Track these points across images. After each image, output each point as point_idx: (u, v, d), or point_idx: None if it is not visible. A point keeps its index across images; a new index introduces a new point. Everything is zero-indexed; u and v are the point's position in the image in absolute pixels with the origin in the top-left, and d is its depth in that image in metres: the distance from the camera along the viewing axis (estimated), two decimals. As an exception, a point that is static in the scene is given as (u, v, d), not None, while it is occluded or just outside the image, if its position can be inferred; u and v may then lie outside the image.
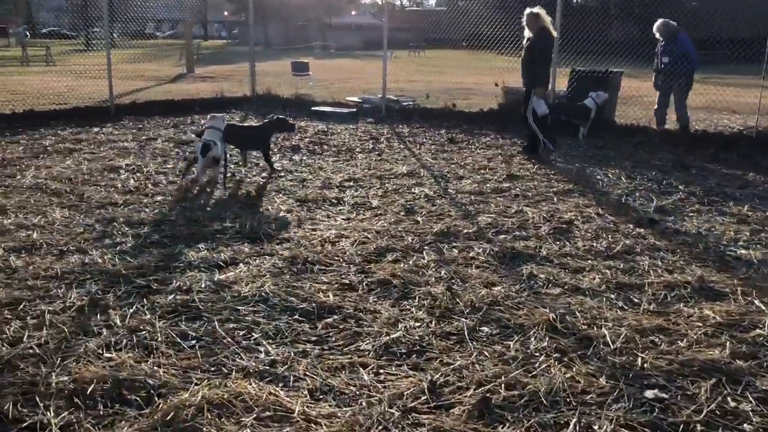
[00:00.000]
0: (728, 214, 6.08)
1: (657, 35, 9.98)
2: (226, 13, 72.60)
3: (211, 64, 29.50)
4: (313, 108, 12.74)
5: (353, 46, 56.58)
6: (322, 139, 9.90)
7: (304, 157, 8.57)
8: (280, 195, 6.58)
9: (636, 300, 4.03)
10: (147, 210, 5.91)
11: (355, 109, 12.59)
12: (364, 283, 4.24)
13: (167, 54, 37.32)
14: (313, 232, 5.33)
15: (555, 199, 6.54)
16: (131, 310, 3.80)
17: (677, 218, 5.91)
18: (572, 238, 5.27)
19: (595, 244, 5.08)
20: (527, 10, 8.33)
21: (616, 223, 5.68)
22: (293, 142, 9.54)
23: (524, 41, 8.48)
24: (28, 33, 44.68)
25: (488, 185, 7.05)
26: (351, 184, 7.07)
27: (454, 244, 5.09)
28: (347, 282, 4.27)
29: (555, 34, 8.55)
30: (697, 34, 14.73)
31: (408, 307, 3.90)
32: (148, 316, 3.71)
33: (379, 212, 5.97)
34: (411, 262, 4.64)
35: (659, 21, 9.90)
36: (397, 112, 12.51)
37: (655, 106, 10.32)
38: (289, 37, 61.16)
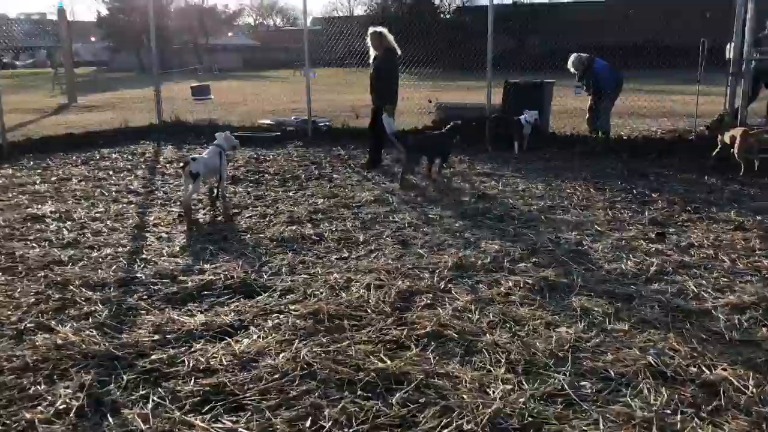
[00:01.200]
0: (721, 221, 5.98)
1: (572, 70, 10.06)
2: (93, 38, 68.76)
3: (89, 92, 27.44)
4: (234, 134, 11.82)
5: (232, 68, 55.15)
6: (259, 167, 9.14)
7: (250, 189, 7.78)
8: (249, 234, 5.81)
9: (715, 329, 3.69)
10: (103, 267, 4.98)
11: (278, 133, 11.83)
12: (413, 338, 3.64)
13: (34, 84, 34.69)
14: (315, 278, 4.64)
15: (543, 217, 6.20)
16: (150, 406, 2.99)
17: (678, 230, 5.72)
18: (595, 260, 4.92)
19: (623, 267, 4.74)
20: (371, 30, 8.43)
21: (626, 240, 5.39)
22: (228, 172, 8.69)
23: (371, 60, 8.58)
24: None
25: (465, 208, 6.61)
26: (320, 216, 6.41)
27: (477, 278, 4.59)
28: (393, 339, 3.66)
29: (399, 51, 8.56)
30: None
31: (482, 365, 3.34)
32: (177, 413, 2.93)
33: (371, 247, 5.36)
34: (449, 306, 4.08)
35: (571, 57, 9.99)
36: (325, 134, 11.89)
37: (586, 115, 10.37)
38: (165, 61, 58.78)
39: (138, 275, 4.78)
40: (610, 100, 9.95)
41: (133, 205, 7.04)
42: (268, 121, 13.96)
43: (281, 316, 4.00)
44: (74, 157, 10.23)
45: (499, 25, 10.00)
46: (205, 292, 4.41)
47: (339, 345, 3.57)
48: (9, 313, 4.10)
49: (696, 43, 9.65)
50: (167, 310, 4.12)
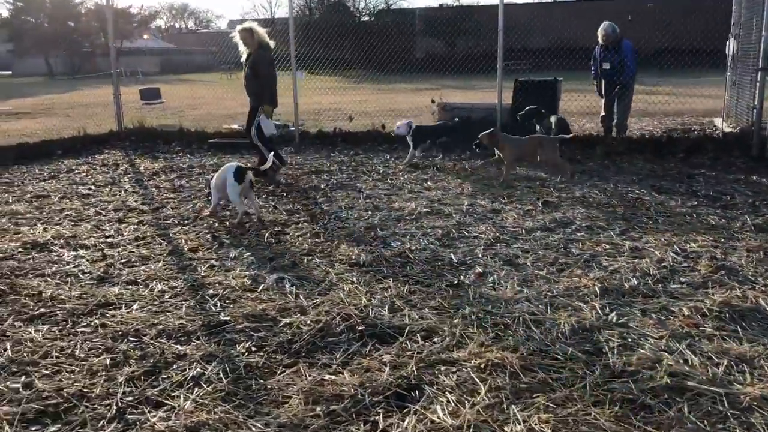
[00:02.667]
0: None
1: (601, 39, 9.53)
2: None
3: (3, 98, 25.13)
4: (211, 141, 10.74)
5: (150, 72, 52.61)
6: (264, 177, 8.12)
7: (271, 201, 6.80)
8: (318, 258, 4.89)
9: None
10: (170, 309, 3.97)
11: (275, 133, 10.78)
12: (648, 395, 2.89)
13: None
14: (447, 313, 3.83)
15: (626, 227, 5.58)
16: None
17: (789, 235, 5.23)
18: (746, 277, 4.31)
19: (786, 282, 4.15)
20: (239, 27, 7.91)
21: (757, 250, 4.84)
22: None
23: (243, 58, 8.01)
24: None
25: (538, 219, 5.92)
26: (383, 233, 5.55)
27: (642, 306, 3.89)
28: (624, 395, 2.89)
29: (272, 45, 8.02)
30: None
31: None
32: None
33: (479, 270, 4.58)
34: (647, 344, 3.35)
35: (607, 24, 9.45)
36: (315, 138, 10.93)
37: (602, 113, 9.90)
38: (75, 65, 55.36)
39: (223, 318, 3.80)
40: (628, 96, 9.50)
41: (146, 226, 5.95)
42: (236, 126, 12.88)
43: (452, 369, 3.15)
44: (37, 170, 8.89)
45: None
46: (331, 339, 3.50)
47: (569, 409, 2.77)
48: (87, 382, 3.07)
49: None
50: (301, 367, 3.19)
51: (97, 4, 58.93)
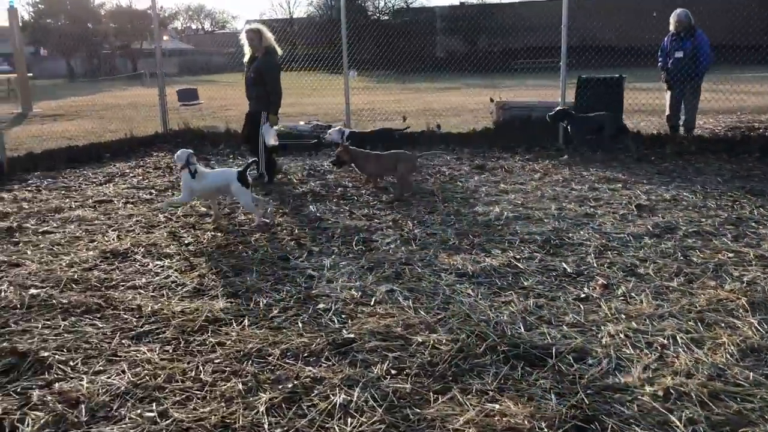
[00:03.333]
0: None
1: (672, 28, 9.13)
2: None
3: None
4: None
5: (169, 73, 52.47)
6: (328, 180, 7.84)
7: (345, 206, 6.50)
8: (420, 268, 4.58)
9: None
10: (285, 324, 3.68)
11: (315, 140, 10.51)
12: None
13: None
14: (592, 330, 3.50)
15: (736, 232, 5.24)
16: None
17: None
18: None
19: None
20: (246, 27, 7.55)
21: None
22: (305, 188, 7.40)
23: (245, 58, 7.66)
24: None
25: (639, 224, 5.59)
26: (480, 240, 5.23)
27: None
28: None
29: (280, 51, 7.69)
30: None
31: None
32: None
33: (601, 281, 4.25)
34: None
35: (680, 10, 9.04)
36: (361, 140, 10.60)
37: (667, 112, 9.52)
38: (95, 67, 55.42)
39: (347, 335, 3.50)
40: (698, 90, 9.11)
41: (222, 233, 5.68)
42: (277, 127, 12.61)
43: (627, 397, 2.83)
44: (90, 174, 8.65)
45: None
46: (476, 361, 3.20)
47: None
48: (226, 411, 2.78)
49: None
50: (456, 394, 2.89)
51: (116, 5, 59.12)
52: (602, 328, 3.53)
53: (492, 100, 10.33)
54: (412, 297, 4.06)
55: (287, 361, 3.25)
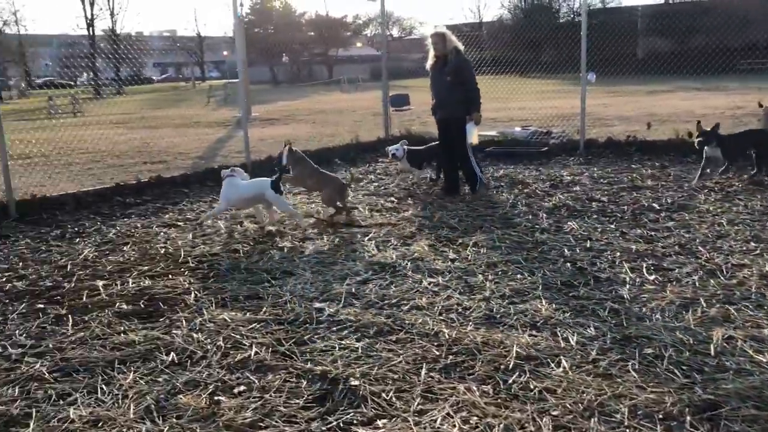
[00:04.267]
0: None
1: None
2: (225, 53, 70.32)
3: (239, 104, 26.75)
4: (487, 149, 10.02)
5: (359, 79, 54.16)
6: (575, 192, 7.16)
7: (602, 223, 5.78)
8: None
9: None
10: (619, 376, 3.11)
11: (546, 148, 9.87)
12: None
13: (180, 98, 34.95)
14: None
15: None
16: None
17: None
18: None
19: None
20: (432, 31, 7.28)
21: None
22: (554, 201, 6.79)
23: (430, 63, 7.36)
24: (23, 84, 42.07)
25: None
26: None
27: None
28: None
29: (462, 48, 7.28)
30: None
31: None
32: None
33: None
34: None
35: None
36: (604, 147, 9.82)
37: None
38: (294, 73, 58.78)
39: (707, 395, 2.84)
40: None
41: (484, 248, 5.23)
42: (493, 133, 12.15)
43: None
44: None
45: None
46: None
47: None
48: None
49: None
50: None
51: (317, 14, 62.27)
52: None
53: (761, 105, 9.03)
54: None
55: (642, 423, 2.68)
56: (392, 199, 7.30)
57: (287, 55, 58.90)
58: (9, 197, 6.84)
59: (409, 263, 4.93)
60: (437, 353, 3.41)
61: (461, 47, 7.26)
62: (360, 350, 3.49)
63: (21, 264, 5.34)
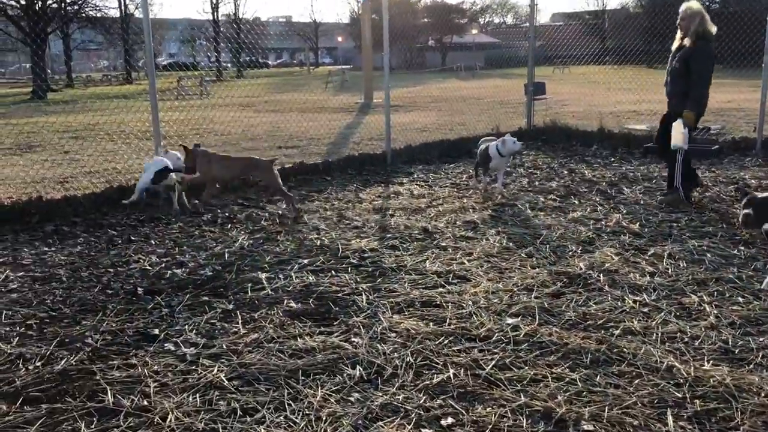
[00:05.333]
0: None
1: None
2: (340, 38, 71.09)
3: (356, 90, 26.63)
4: (646, 145, 9.15)
5: (474, 66, 53.02)
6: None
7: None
8: None
9: None
10: None
11: (717, 146, 8.88)
12: None
13: (301, 83, 35.33)
14: None
15: None
16: None
17: None
18: None
19: None
20: (684, 5, 6.16)
21: None
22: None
23: (675, 45, 6.29)
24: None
25: None
26: None
27: None
28: None
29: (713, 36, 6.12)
30: None
31: None
32: None
33: None
34: None
35: None
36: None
37: None
38: (407, 60, 58.35)
39: None
40: None
41: (676, 259, 4.51)
42: (642, 127, 11.22)
43: None
44: (458, 169, 8.14)
45: None
46: None
47: None
48: None
49: None
50: None
51: (434, 0, 61.62)
52: None
53: None
54: None
55: None
56: (553, 197, 6.66)
57: (403, 42, 58.62)
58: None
59: (601, 275, 4.32)
60: (678, 395, 2.82)
61: (710, 32, 6.13)
62: (579, 383, 2.94)
63: (177, 250, 5.15)
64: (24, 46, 34.84)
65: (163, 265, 4.77)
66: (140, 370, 3.17)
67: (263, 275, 4.48)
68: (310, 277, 4.42)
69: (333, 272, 4.52)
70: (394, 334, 3.51)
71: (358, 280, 4.37)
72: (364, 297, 4.05)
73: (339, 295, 4.10)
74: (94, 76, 42.39)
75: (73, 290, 4.28)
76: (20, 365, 3.24)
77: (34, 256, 5.00)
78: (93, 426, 2.72)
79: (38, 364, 3.25)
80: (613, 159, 8.76)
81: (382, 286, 4.24)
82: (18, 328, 3.70)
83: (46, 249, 5.21)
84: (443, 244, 5.13)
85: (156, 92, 6.89)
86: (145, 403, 2.88)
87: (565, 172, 7.92)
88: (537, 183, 7.36)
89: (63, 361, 3.26)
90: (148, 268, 4.70)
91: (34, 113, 17.44)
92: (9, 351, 3.39)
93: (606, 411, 2.72)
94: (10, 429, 2.69)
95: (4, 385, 3.04)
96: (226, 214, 6.22)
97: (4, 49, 45.87)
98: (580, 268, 4.45)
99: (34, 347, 3.44)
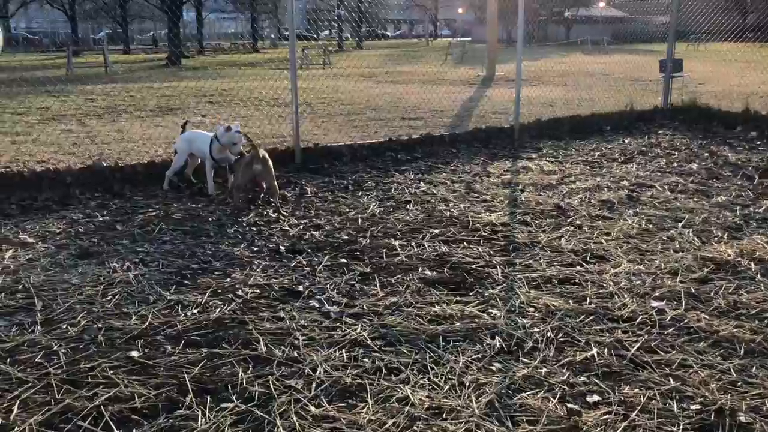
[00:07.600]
0: None
1: None
2: (460, 10, 70.06)
3: (476, 63, 26.13)
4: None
5: (600, 41, 50.60)
6: None
7: None
8: None
9: None
10: None
11: None
12: None
13: (419, 55, 35.16)
14: None
15: None
16: None
17: None
18: None
19: None
20: None
21: None
22: None
23: None
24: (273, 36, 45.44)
25: None
26: None
27: None
28: None
29: None
30: None
31: None
32: None
33: None
34: None
35: None
36: None
37: None
38: (529, 34, 56.67)
39: None
40: None
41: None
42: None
43: None
44: (605, 149, 7.85)
45: None
46: None
47: None
48: None
49: None
50: None
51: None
52: None
53: None
54: None
55: None
56: (693, 179, 6.33)
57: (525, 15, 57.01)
58: (296, 144, 6.98)
59: (752, 263, 4.08)
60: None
61: None
62: (734, 373, 2.82)
63: (313, 213, 5.33)
64: (162, 14, 36.75)
65: (302, 227, 4.95)
66: (288, 323, 3.33)
67: (396, 242, 4.56)
68: (443, 247, 4.46)
69: (465, 243, 4.53)
70: (532, 309, 3.49)
71: (492, 253, 4.36)
72: (498, 270, 4.04)
73: (473, 266, 4.11)
74: (223, 44, 44.21)
75: (220, 245, 4.54)
76: (179, 311, 3.49)
77: (183, 212, 5.34)
78: (249, 372, 2.89)
79: (195, 311, 3.48)
80: (759, 143, 8.17)
81: (517, 261, 4.21)
82: (175, 277, 3.97)
83: (193, 205, 5.54)
84: (578, 222, 5.01)
85: (296, 62, 7.07)
86: (295, 354, 3.03)
87: (706, 154, 7.48)
88: (675, 164, 7.01)
89: (217, 310, 3.48)
90: (287, 228, 4.91)
91: (172, 78, 18.45)
92: (169, 297, 3.65)
93: (766, 404, 2.59)
94: (177, 368, 2.92)
95: (167, 328, 3.29)
96: (356, 181, 6.36)
97: (143, 16, 48.61)
98: (729, 255, 4.22)
99: (190, 295, 3.68)
